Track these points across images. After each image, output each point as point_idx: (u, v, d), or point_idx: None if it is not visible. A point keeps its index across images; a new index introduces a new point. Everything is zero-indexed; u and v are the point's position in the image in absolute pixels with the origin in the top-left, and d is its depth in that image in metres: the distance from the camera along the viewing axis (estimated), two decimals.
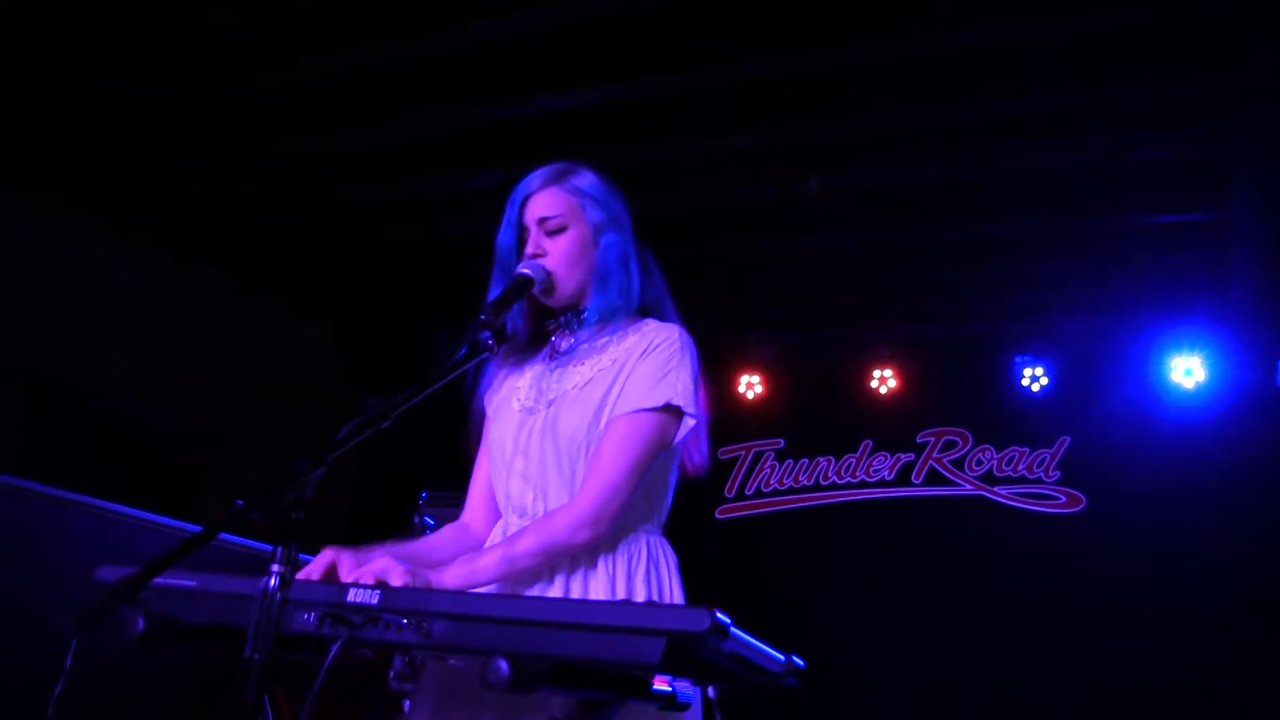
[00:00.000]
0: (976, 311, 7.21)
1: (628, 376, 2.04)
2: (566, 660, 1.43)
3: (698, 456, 2.18)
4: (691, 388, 2.05)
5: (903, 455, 7.49)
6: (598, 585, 1.96)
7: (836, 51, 4.78)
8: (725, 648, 1.40)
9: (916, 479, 7.42)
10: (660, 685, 1.65)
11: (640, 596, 1.96)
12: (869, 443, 7.60)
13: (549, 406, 2.09)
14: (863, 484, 7.57)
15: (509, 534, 2.07)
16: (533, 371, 2.20)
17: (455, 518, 6.37)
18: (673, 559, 2.11)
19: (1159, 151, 5.30)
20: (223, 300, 7.51)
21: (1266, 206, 5.33)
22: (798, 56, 4.86)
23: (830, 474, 7.66)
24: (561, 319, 2.20)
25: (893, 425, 7.51)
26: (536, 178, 2.24)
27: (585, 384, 2.07)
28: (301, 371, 8.22)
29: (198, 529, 4.47)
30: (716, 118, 5.42)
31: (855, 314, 7.51)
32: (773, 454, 7.80)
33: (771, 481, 7.78)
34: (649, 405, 2.01)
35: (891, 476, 7.50)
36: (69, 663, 1.88)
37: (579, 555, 1.97)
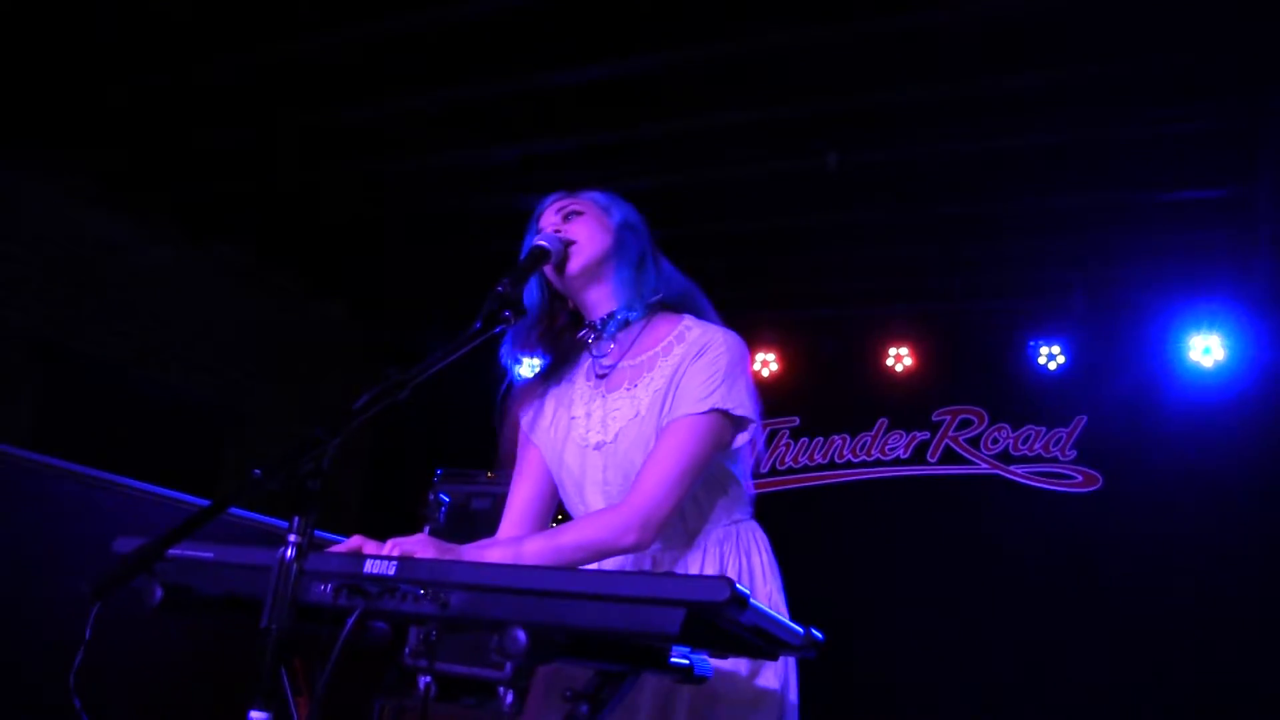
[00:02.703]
0: (993, 289, 7.18)
1: (680, 381, 2.03)
2: (585, 630, 1.42)
3: (750, 453, 2.16)
4: (744, 392, 2.03)
5: (918, 434, 7.48)
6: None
7: (851, 24, 4.74)
8: (744, 619, 1.39)
9: (932, 458, 7.40)
10: (678, 658, 1.64)
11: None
12: (884, 421, 7.59)
13: (615, 439, 2.08)
14: (878, 462, 7.56)
15: None
16: (582, 397, 2.17)
17: (470, 495, 6.36)
18: (764, 541, 2.13)
19: (1180, 126, 5.25)
20: (240, 276, 7.52)
21: None
22: (811, 29, 4.82)
23: (845, 452, 7.66)
24: (595, 322, 2.17)
25: (908, 403, 7.50)
26: (553, 194, 2.26)
27: (645, 411, 2.05)
28: (319, 346, 8.23)
29: (201, 501, 4.49)
30: (733, 93, 5.39)
31: (871, 291, 7.49)
32: (788, 432, 7.79)
33: (787, 460, 7.77)
34: (698, 411, 1.99)
35: (907, 455, 7.49)
36: (89, 633, 1.89)
37: (667, 545, 2.01)
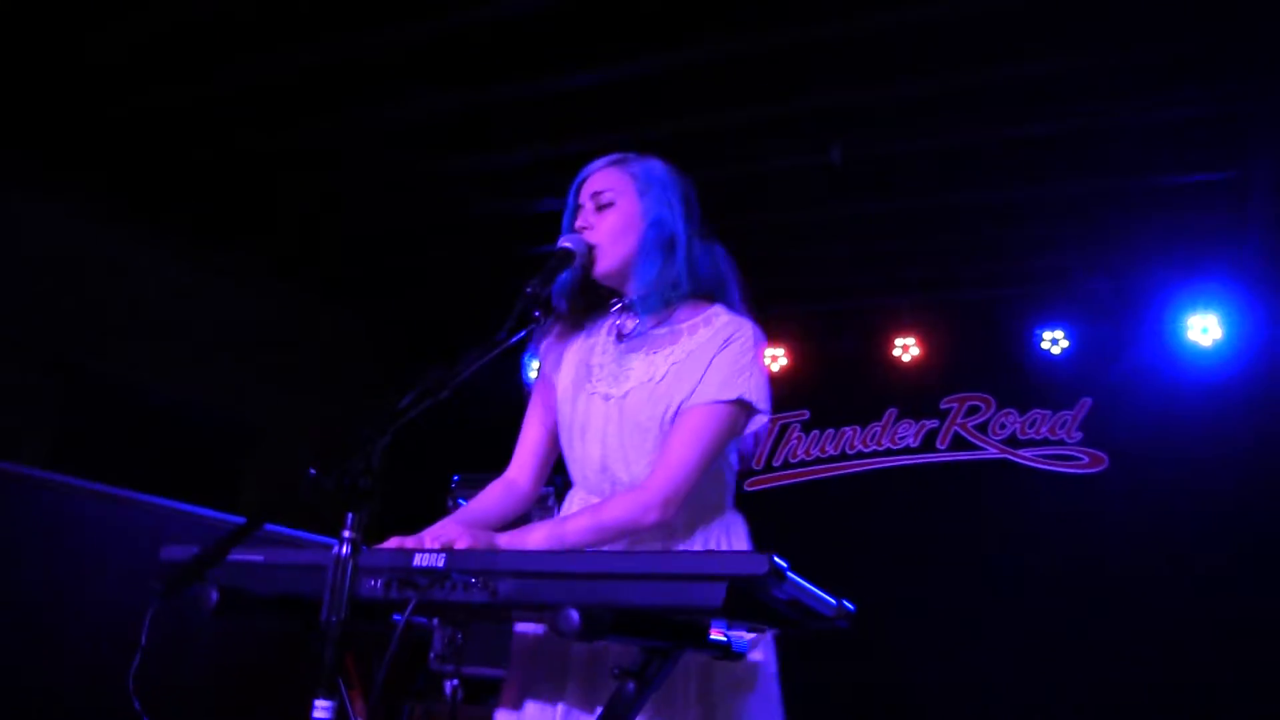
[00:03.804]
0: (996, 277, 7.25)
1: (706, 368, 2.10)
2: (632, 608, 1.50)
3: (751, 444, 2.26)
4: (764, 385, 2.12)
5: (927, 422, 7.54)
6: None
7: (851, 17, 4.82)
8: (782, 592, 1.48)
9: (941, 445, 7.47)
10: (716, 635, 1.73)
11: None
12: (893, 410, 7.65)
13: (625, 396, 2.16)
14: (888, 452, 7.62)
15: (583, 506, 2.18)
16: (601, 351, 2.26)
17: None
18: (743, 529, 2.22)
19: (1175, 112, 5.32)
20: (255, 287, 7.57)
21: None
22: (812, 27, 4.89)
23: (856, 443, 7.72)
24: (625, 300, 2.26)
25: (916, 392, 7.56)
26: (600, 160, 2.32)
27: (661, 377, 2.13)
28: (336, 357, 8.29)
29: (233, 517, 4.55)
30: (734, 89, 5.46)
31: (876, 284, 7.55)
32: (799, 425, 7.86)
33: (799, 453, 7.84)
34: (723, 398, 2.08)
35: (917, 443, 7.55)
36: (144, 638, 1.97)
37: (670, 531, 2.08)
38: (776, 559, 1.41)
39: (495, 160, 6.36)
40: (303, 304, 8.00)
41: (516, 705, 2.11)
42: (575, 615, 1.43)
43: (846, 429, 7.78)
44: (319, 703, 1.54)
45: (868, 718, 6.94)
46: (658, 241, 2.20)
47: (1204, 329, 6.63)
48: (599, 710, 1.92)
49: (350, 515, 1.60)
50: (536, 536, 1.99)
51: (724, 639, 1.74)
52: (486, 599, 1.61)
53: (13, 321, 6.09)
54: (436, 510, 5.71)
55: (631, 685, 1.63)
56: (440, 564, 1.68)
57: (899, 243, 7.00)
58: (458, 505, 5.80)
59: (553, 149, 6.07)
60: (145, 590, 3.86)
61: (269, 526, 4.56)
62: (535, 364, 2.41)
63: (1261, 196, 5.71)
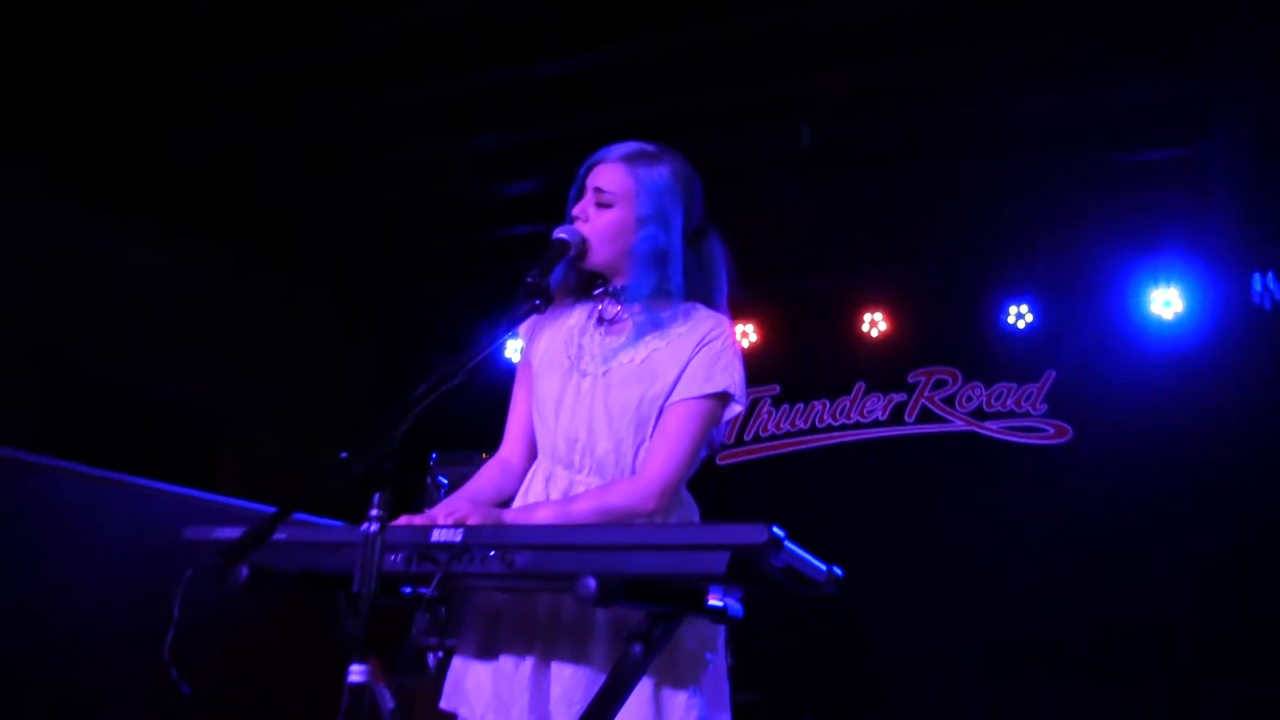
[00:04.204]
0: (962, 253, 7.39)
1: (686, 364, 2.23)
2: (642, 576, 1.64)
3: (724, 433, 2.39)
4: (743, 377, 2.26)
5: (895, 395, 7.70)
6: None
7: (819, 2, 4.95)
8: (779, 560, 1.62)
9: (909, 418, 7.63)
10: (714, 600, 1.87)
11: None
12: (862, 384, 7.80)
13: (604, 375, 2.27)
14: (857, 425, 7.78)
15: (551, 479, 2.29)
16: (580, 330, 2.36)
17: (466, 476, 6.56)
18: (695, 510, 2.33)
19: (1134, 92, 5.50)
20: (228, 275, 7.62)
21: (1241, 141, 5.53)
22: (779, 14, 5.02)
23: (826, 417, 7.87)
24: (610, 286, 2.36)
25: (885, 367, 7.72)
26: (615, 148, 2.37)
27: (642, 361, 2.25)
28: (309, 343, 8.34)
29: (215, 497, 4.61)
30: (705, 73, 5.57)
31: (844, 260, 7.68)
32: (769, 400, 8.00)
33: (769, 427, 7.99)
34: (708, 392, 2.22)
35: (885, 416, 7.71)
36: (176, 612, 2.09)
37: (650, 515, 2.18)
38: (775, 529, 1.55)
39: (468, 145, 6.45)
40: (277, 292, 8.04)
41: (482, 657, 2.22)
42: (593, 583, 1.57)
43: (816, 403, 7.93)
44: (354, 667, 1.66)
45: (837, 686, 7.10)
46: (649, 254, 2.28)
47: (1166, 302, 6.81)
48: (558, 663, 2.08)
49: (377, 495, 1.73)
50: (544, 513, 2.12)
51: (720, 604, 1.88)
52: (503, 570, 1.74)
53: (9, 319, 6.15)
54: (417, 487, 5.83)
55: (638, 647, 1.76)
56: (458, 539, 1.80)
57: (867, 220, 7.13)
58: (437, 482, 5.94)
59: (521, 135, 6.18)
60: (133, 570, 3.93)
61: (256, 506, 4.66)
62: (519, 344, 2.51)
63: (1220, 173, 5.88)
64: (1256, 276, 6.32)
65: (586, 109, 5.75)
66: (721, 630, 2.18)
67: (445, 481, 5.90)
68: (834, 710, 6.90)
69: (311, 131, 6.35)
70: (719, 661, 2.20)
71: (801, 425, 7.94)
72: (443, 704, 2.27)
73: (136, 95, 5.83)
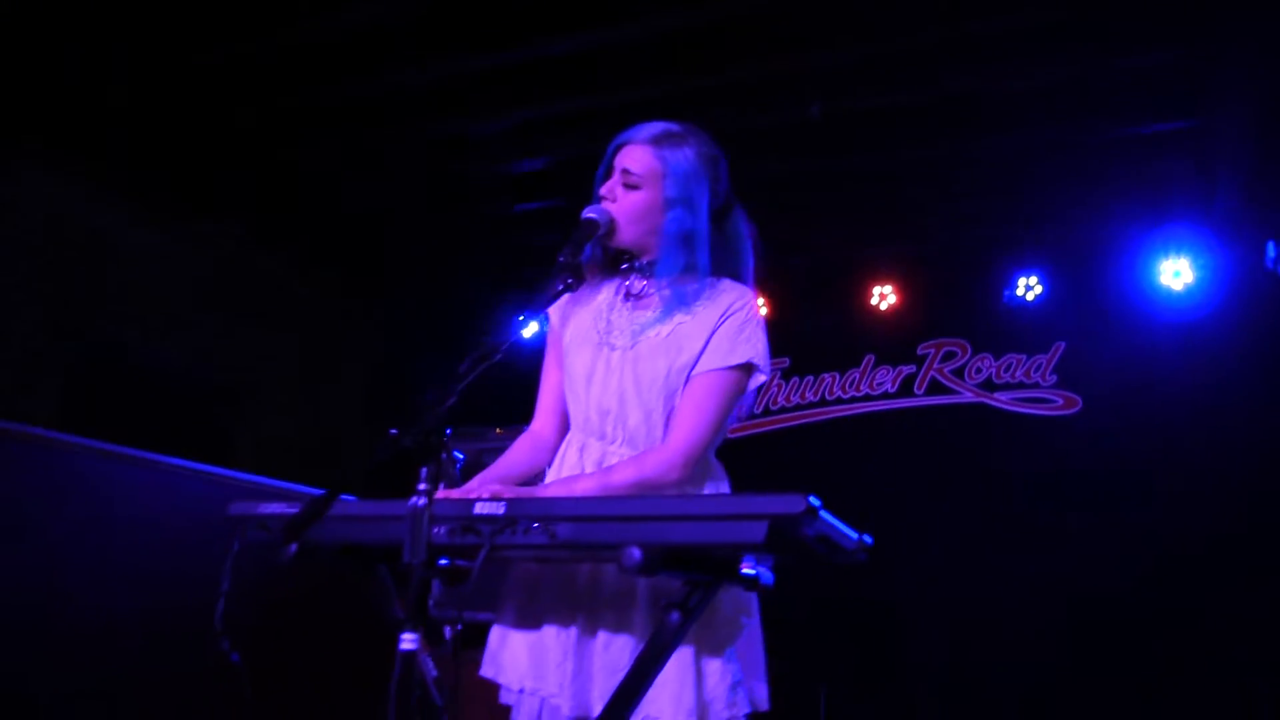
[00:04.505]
0: (971, 225, 7.41)
1: (711, 336, 2.29)
2: (683, 545, 1.70)
3: (750, 404, 2.45)
4: (766, 348, 2.33)
5: (904, 368, 7.74)
6: None
7: None
8: (813, 529, 1.68)
9: (919, 390, 7.67)
10: (746, 569, 1.93)
11: None
12: (871, 357, 7.84)
13: (632, 347, 2.34)
14: (867, 397, 7.82)
15: (585, 450, 2.35)
16: (608, 305, 2.43)
17: (481, 451, 6.68)
18: (725, 478, 2.41)
19: (1141, 62, 5.52)
20: (235, 254, 7.66)
21: (1248, 110, 5.55)
22: None
23: (835, 389, 7.91)
24: (636, 263, 2.42)
25: (894, 339, 7.75)
26: (642, 130, 2.41)
27: (668, 334, 2.31)
28: (317, 321, 8.41)
29: (230, 473, 4.67)
30: (714, 47, 5.60)
31: (854, 234, 7.71)
32: (779, 373, 8.04)
33: (779, 400, 8.04)
34: (733, 363, 2.29)
35: (894, 389, 7.76)
36: (226, 583, 2.16)
37: (680, 484, 2.24)
38: (812, 498, 1.61)
39: (474, 126, 6.49)
40: (282, 270, 8.09)
41: (521, 627, 2.30)
42: (638, 552, 1.63)
43: (826, 376, 7.97)
44: (405, 636, 1.74)
45: (851, 657, 7.16)
46: (677, 235, 2.33)
47: (1175, 273, 6.81)
48: (604, 632, 2.16)
49: (424, 469, 1.80)
50: (585, 484, 2.19)
51: (752, 572, 1.95)
52: (546, 540, 1.80)
53: (19, 290, 6.19)
54: (433, 465, 5.88)
55: (676, 615, 1.82)
56: (500, 511, 1.87)
57: (876, 193, 7.16)
58: (453, 457, 6.01)
59: (535, 112, 6.22)
60: (156, 546, 3.98)
61: (268, 481, 4.73)
62: (549, 320, 2.55)
63: (1227, 143, 5.91)
64: (1271, 244, 6.34)
65: (592, 89, 5.80)
66: (754, 596, 2.24)
67: (462, 456, 5.99)
68: (848, 680, 6.97)
69: (321, 110, 6.40)
70: (754, 625, 2.27)
71: (811, 398, 7.98)
72: (481, 672, 2.34)
73: (148, 72, 5.85)
